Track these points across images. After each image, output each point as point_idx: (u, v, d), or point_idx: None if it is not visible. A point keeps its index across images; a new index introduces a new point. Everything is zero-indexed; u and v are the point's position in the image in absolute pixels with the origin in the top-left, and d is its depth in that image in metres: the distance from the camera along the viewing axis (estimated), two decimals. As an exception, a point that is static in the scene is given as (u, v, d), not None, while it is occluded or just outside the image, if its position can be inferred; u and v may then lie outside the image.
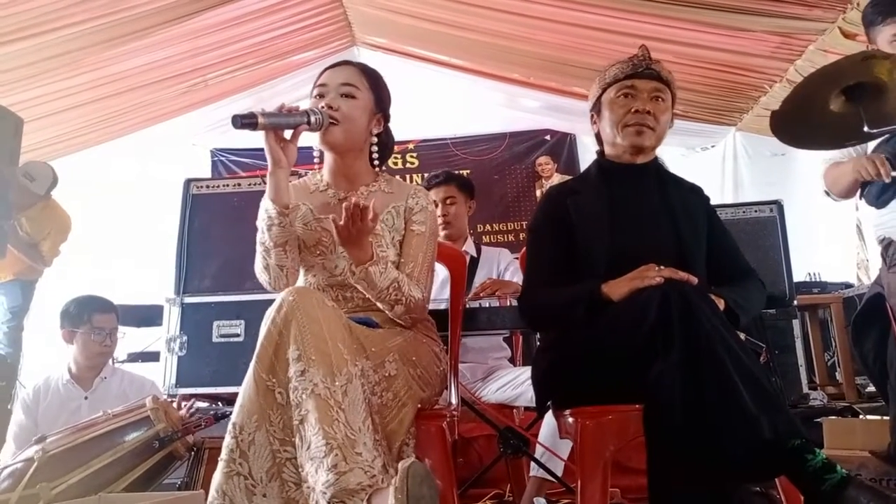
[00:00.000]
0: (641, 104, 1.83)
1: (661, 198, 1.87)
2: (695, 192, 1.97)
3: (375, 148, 1.85)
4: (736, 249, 1.94)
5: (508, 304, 2.43)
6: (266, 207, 1.66)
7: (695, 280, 1.57)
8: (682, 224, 1.82)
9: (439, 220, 2.98)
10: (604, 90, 1.91)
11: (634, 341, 1.49)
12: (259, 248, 1.70)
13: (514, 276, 3.00)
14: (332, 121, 1.71)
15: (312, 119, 1.66)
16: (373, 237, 1.70)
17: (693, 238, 1.83)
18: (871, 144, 2.30)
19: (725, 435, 1.32)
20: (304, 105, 1.72)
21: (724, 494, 1.40)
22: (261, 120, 1.57)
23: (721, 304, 1.64)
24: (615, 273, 1.67)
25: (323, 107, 1.72)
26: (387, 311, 1.72)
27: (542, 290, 1.82)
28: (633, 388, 1.48)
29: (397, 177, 1.96)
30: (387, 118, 1.89)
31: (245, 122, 1.55)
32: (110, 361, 3.17)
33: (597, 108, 1.95)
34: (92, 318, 2.96)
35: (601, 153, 1.98)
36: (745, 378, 1.36)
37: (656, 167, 1.94)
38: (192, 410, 2.61)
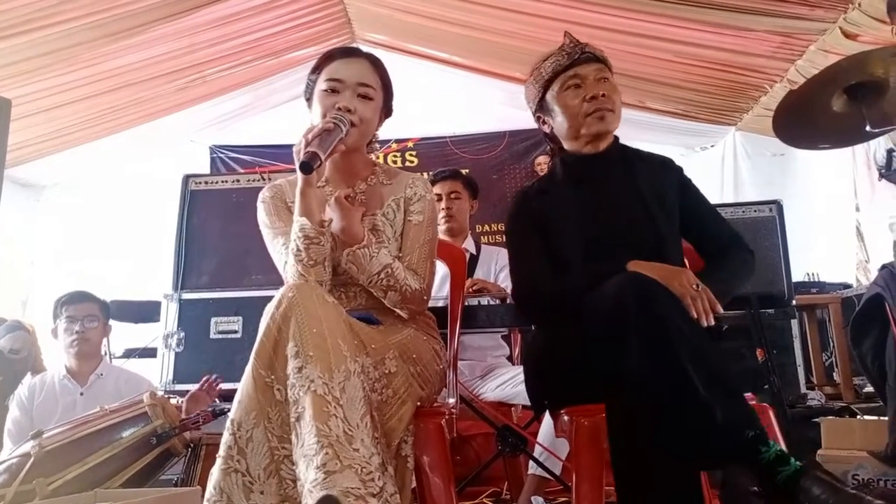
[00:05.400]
0: (593, 89, 1.78)
1: (629, 182, 1.82)
2: (664, 166, 1.91)
3: (377, 146, 1.87)
4: (716, 217, 1.89)
5: (508, 301, 2.43)
6: (301, 226, 1.62)
7: (719, 309, 1.52)
8: (653, 206, 1.78)
9: (442, 214, 3.00)
10: (546, 88, 1.86)
11: (597, 333, 1.48)
12: (296, 266, 1.62)
13: (508, 279, 3.00)
14: (351, 125, 1.69)
15: (344, 131, 1.66)
16: (374, 232, 1.71)
17: (666, 219, 1.79)
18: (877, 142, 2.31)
19: (677, 421, 1.32)
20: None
21: (685, 484, 1.37)
22: (323, 157, 1.57)
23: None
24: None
25: (339, 108, 1.70)
26: (381, 299, 1.70)
27: (548, 281, 1.75)
28: (604, 381, 1.46)
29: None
30: (389, 113, 1.90)
31: (315, 166, 1.56)
32: (107, 358, 3.17)
33: (543, 109, 1.90)
34: (64, 309, 3.00)
35: (560, 149, 1.92)
36: (699, 367, 1.34)
37: (619, 150, 1.88)
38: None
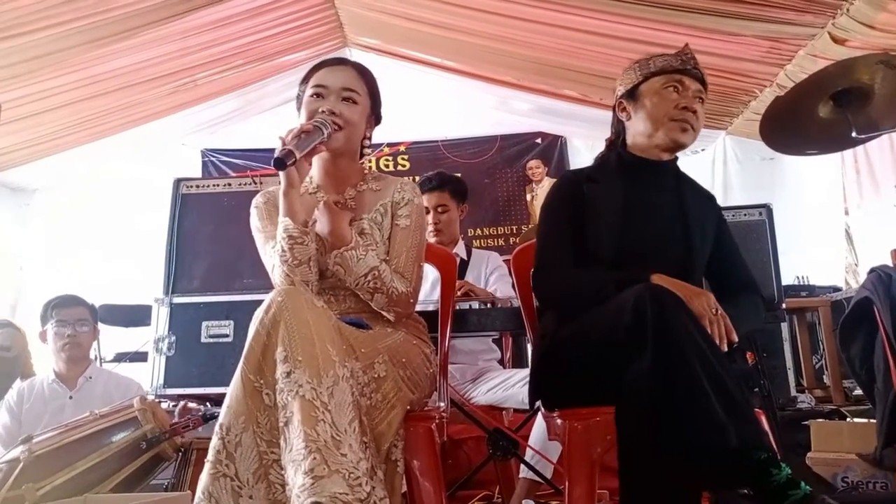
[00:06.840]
0: (689, 101, 1.79)
1: (677, 199, 1.85)
2: (709, 200, 1.96)
3: (369, 151, 1.89)
4: (737, 261, 1.92)
5: (499, 305, 2.43)
6: (286, 226, 1.64)
7: (734, 338, 1.52)
8: (693, 229, 1.81)
9: (430, 228, 2.99)
10: (646, 78, 1.84)
11: (612, 342, 1.49)
12: (282, 267, 1.65)
13: (499, 280, 3.01)
14: (335, 127, 1.71)
15: (325, 133, 1.67)
16: (361, 235, 1.73)
17: (701, 245, 1.82)
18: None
19: (692, 440, 1.32)
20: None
21: (692, 499, 1.40)
22: (297, 155, 1.57)
23: None
24: (618, 267, 1.68)
25: (324, 111, 1.73)
26: (368, 301, 1.72)
27: (568, 270, 1.78)
28: (611, 389, 1.48)
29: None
30: (378, 121, 1.91)
31: (289, 163, 1.56)
32: (97, 362, 3.15)
33: (632, 96, 1.87)
34: (55, 312, 2.98)
35: (621, 143, 1.92)
36: (715, 386, 1.35)
37: (675, 167, 1.92)
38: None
